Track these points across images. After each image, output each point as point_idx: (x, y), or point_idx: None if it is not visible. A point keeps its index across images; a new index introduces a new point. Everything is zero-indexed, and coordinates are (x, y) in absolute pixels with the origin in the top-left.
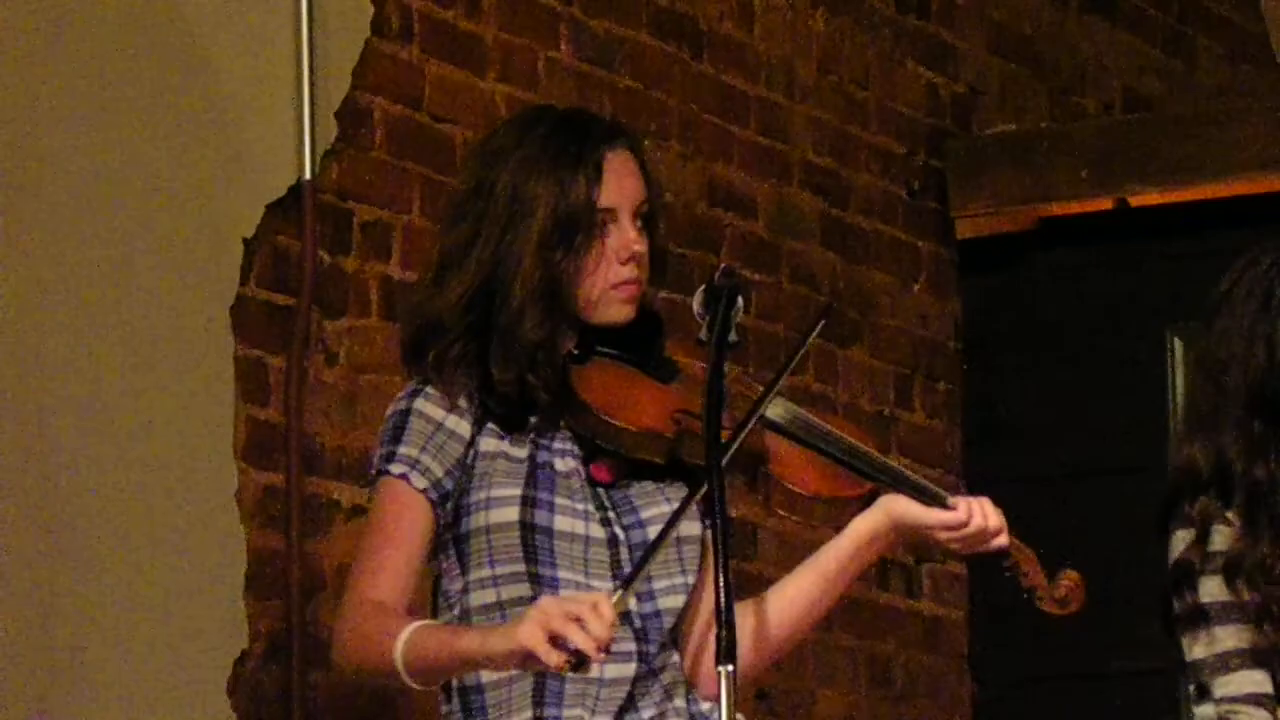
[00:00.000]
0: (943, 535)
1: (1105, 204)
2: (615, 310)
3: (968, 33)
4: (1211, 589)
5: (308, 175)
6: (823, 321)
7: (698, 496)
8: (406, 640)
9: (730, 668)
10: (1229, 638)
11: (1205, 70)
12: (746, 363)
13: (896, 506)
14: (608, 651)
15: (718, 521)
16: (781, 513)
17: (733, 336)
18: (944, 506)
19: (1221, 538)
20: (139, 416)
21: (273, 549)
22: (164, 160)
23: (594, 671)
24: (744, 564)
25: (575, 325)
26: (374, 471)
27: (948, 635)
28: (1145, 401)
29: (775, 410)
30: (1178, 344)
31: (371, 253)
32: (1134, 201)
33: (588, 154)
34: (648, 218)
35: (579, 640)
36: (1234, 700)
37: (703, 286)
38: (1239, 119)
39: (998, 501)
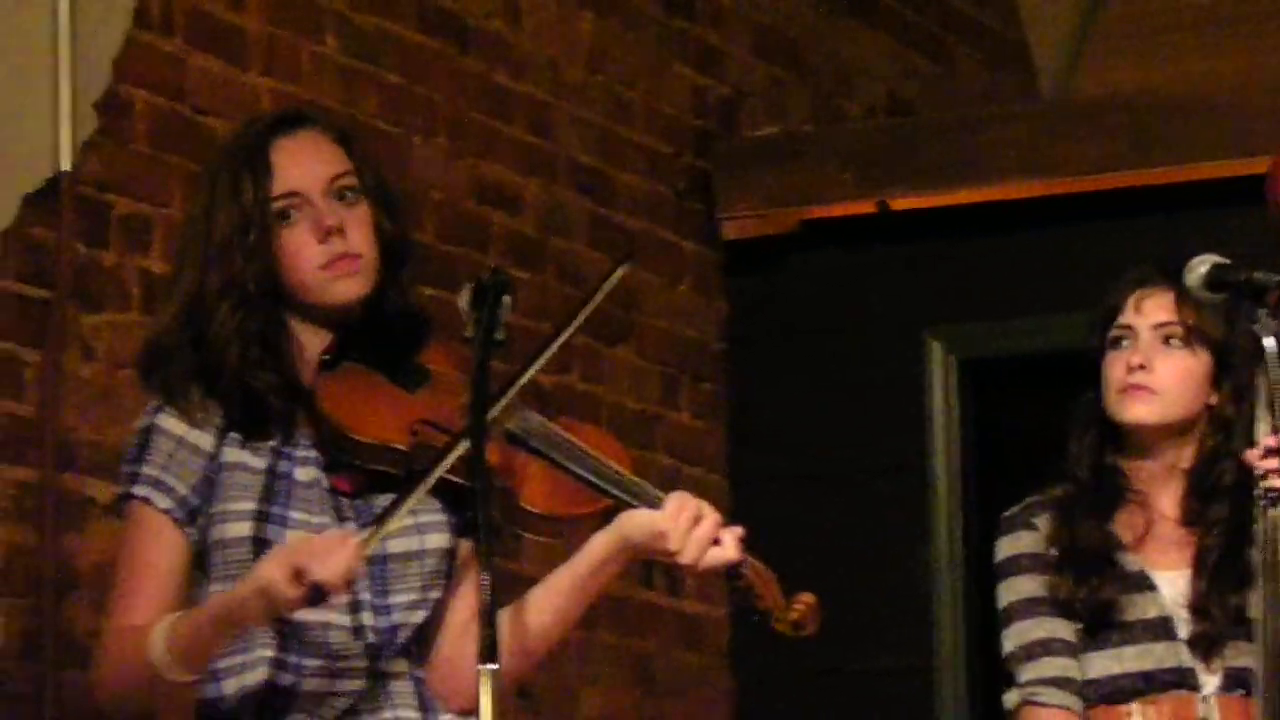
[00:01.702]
0: (673, 540)
1: (867, 207)
2: (335, 289)
3: (733, 35)
4: (1019, 587)
5: (66, 167)
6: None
7: (446, 464)
8: (162, 631)
9: (493, 666)
10: (1035, 629)
11: (965, 76)
12: (512, 361)
13: (629, 523)
14: (349, 588)
15: (480, 520)
16: (514, 529)
17: (499, 334)
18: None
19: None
20: None
21: (25, 545)
22: None
23: (323, 686)
24: (508, 564)
25: (315, 318)
26: (120, 493)
27: (709, 633)
28: (904, 402)
29: (513, 422)
30: (936, 346)
31: (131, 246)
32: (895, 205)
33: (255, 149)
34: (370, 191)
35: (319, 572)
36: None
37: (469, 284)
38: (998, 124)
39: (761, 500)
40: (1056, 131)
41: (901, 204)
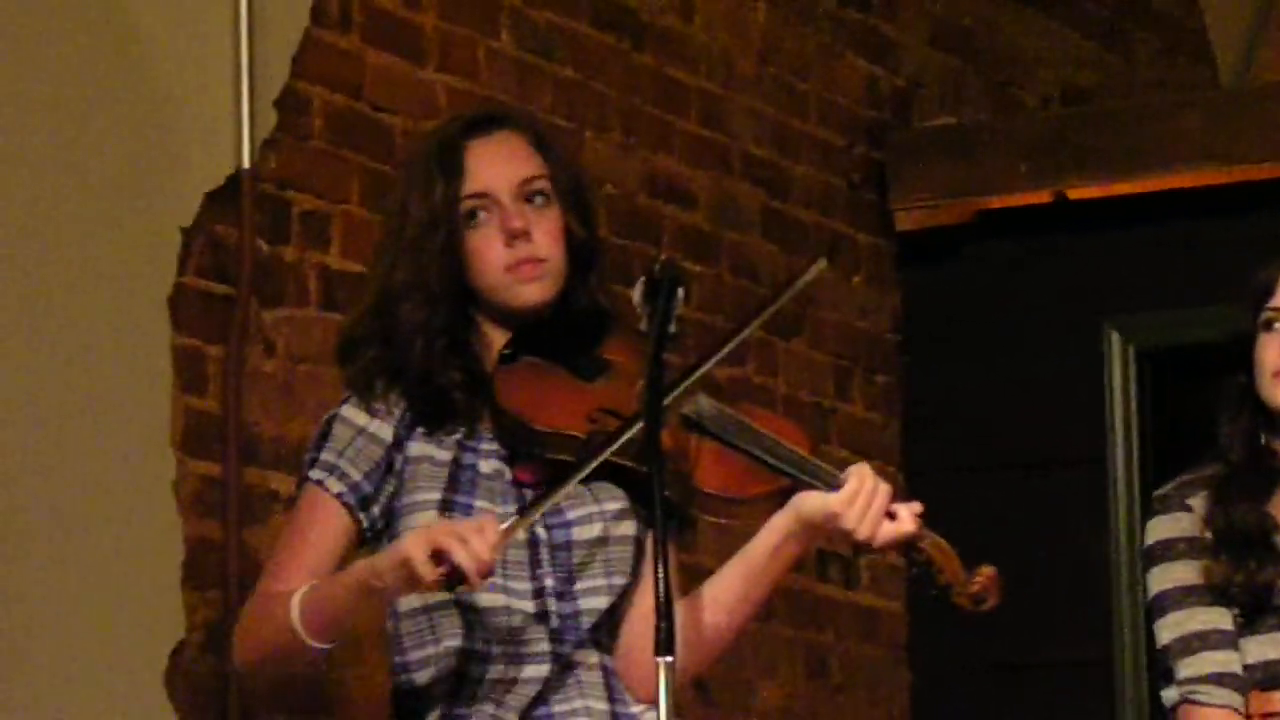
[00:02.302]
0: (849, 519)
1: (1043, 197)
2: (520, 292)
3: (907, 26)
4: (1173, 574)
5: (246, 164)
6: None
7: (617, 445)
8: (302, 595)
9: (669, 659)
10: (1190, 620)
11: (1143, 64)
12: (686, 354)
13: (804, 503)
14: (488, 576)
15: (658, 511)
16: (691, 512)
17: (673, 328)
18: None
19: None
20: (76, 406)
21: (210, 539)
22: (102, 149)
23: (510, 673)
24: (682, 554)
25: (501, 317)
26: (299, 478)
27: (885, 626)
28: (1082, 393)
29: (688, 406)
30: (1115, 336)
31: (310, 243)
32: (1072, 195)
33: (449, 151)
34: (563, 195)
35: (459, 556)
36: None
37: (643, 278)
38: (1176, 112)
39: (936, 492)
40: (1235, 120)
41: (1078, 194)
